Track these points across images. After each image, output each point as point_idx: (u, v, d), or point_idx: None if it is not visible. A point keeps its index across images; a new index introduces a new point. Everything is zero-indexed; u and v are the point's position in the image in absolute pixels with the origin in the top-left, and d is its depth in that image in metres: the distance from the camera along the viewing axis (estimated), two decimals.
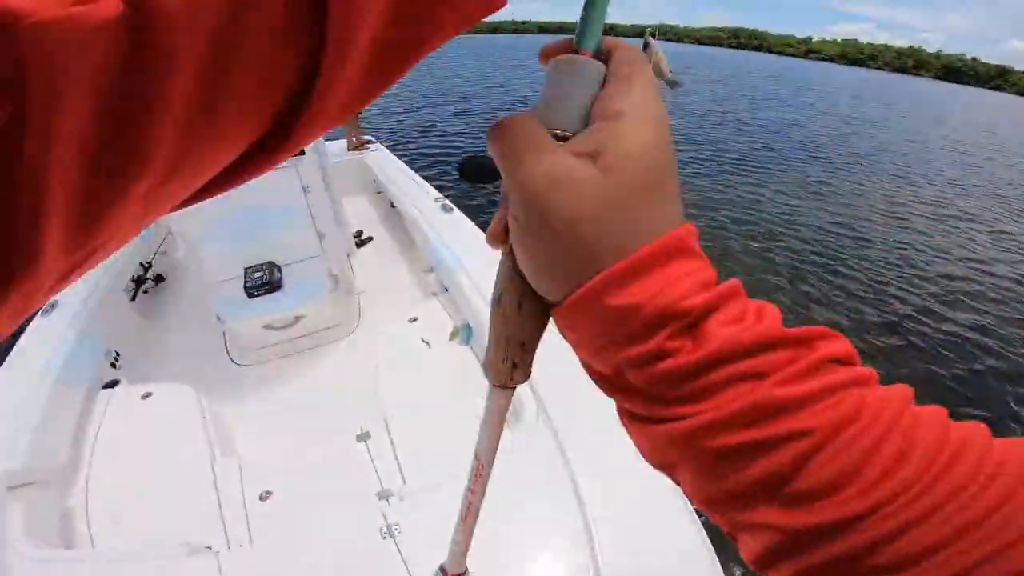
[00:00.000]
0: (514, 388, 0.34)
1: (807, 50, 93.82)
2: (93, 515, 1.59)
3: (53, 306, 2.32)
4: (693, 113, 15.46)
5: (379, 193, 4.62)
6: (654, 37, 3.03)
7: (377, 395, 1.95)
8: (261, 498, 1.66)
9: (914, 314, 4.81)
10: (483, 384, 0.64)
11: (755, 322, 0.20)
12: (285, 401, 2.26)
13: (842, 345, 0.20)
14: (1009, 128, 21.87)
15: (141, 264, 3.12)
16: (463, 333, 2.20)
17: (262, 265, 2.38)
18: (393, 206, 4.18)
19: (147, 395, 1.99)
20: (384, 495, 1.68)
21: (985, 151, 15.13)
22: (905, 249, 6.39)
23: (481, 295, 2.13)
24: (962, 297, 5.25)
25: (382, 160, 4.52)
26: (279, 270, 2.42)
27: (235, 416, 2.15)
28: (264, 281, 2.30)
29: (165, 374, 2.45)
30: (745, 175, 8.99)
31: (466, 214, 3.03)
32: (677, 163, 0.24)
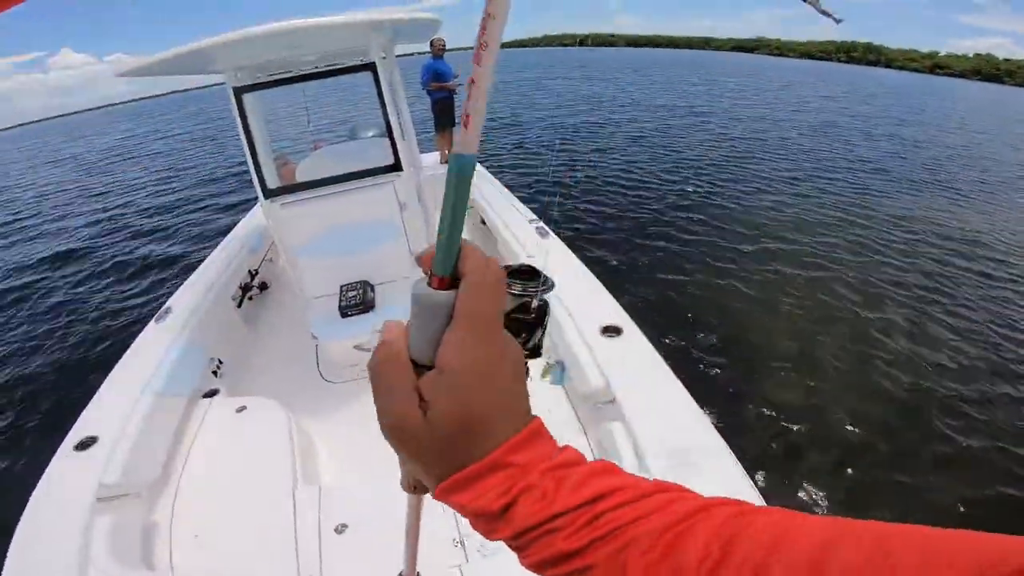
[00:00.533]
0: (422, 494, 0.42)
1: (933, 64, 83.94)
2: (175, 532, 1.62)
3: (167, 311, 2.47)
4: (794, 130, 14.24)
5: (469, 208, 4.62)
6: None
7: None
8: (336, 531, 1.61)
9: None
10: (577, 431, 1.30)
11: (553, 496, 0.29)
12: (367, 424, 2.22)
13: (622, 496, 0.29)
14: None
15: (249, 271, 3.31)
16: (555, 372, 2.03)
17: (356, 284, 2.39)
18: (483, 223, 4.15)
19: (242, 408, 2.05)
20: (460, 541, 1.59)
21: None
22: None
23: (577, 329, 1.96)
24: None
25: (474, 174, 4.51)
26: (372, 290, 2.43)
27: (320, 436, 2.16)
28: (358, 301, 2.31)
29: (260, 385, 2.53)
30: (852, 200, 7.98)
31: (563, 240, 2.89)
32: (512, 390, 0.32)
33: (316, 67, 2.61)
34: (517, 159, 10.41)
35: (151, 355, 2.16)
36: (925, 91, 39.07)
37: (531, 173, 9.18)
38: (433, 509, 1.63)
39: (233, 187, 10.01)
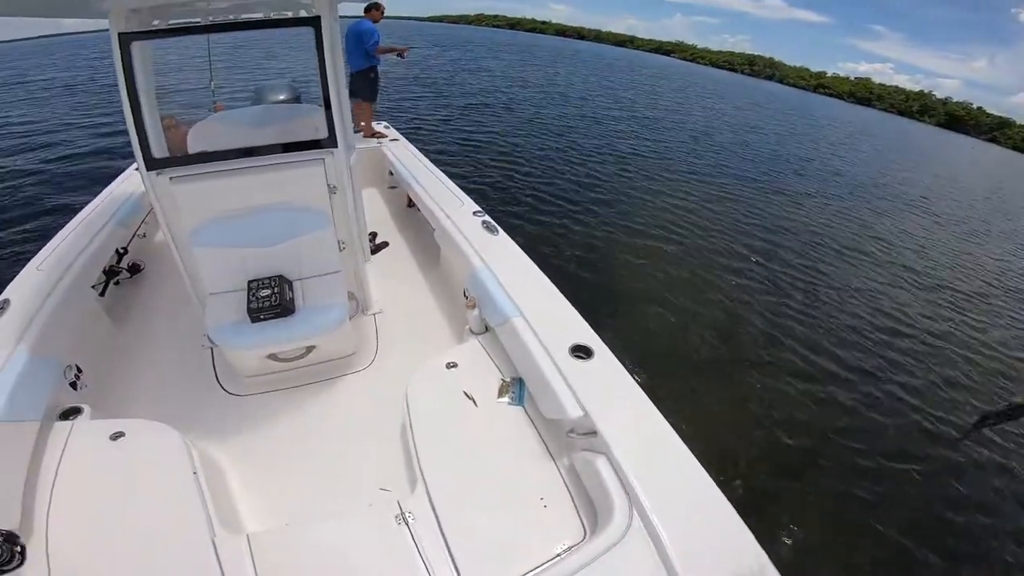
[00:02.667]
0: None
1: (817, 84, 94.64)
2: None
3: (4, 305, 1.89)
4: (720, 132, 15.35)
5: (393, 188, 4.20)
6: None
7: (416, 464, 1.56)
8: None
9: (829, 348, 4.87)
10: (543, 455, 1.48)
11: None
12: (292, 447, 1.87)
13: None
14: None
15: (116, 251, 2.67)
16: (514, 391, 1.80)
17: (270, 280, 1.97)
18: (411, 205, 3.76)
19: (118, 435, 1.57)
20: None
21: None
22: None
23: (545, 349, 1.74)
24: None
25: (402, 152, 4.10)
26: (290, 288, 2.02)
27: (231, 467, 1.74)
28: (273, 303, 1.89)
29: (138, 400, 2.02)
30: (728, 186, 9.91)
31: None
32: None
33: (233, 16, 2.11)
34: (444, 136, 10.03)
35: None
36: (813, 110, 44.10)
37: (459, 152, 9.17)
38: (386, 545, 1.40)
39: (105, 149, 8.42)
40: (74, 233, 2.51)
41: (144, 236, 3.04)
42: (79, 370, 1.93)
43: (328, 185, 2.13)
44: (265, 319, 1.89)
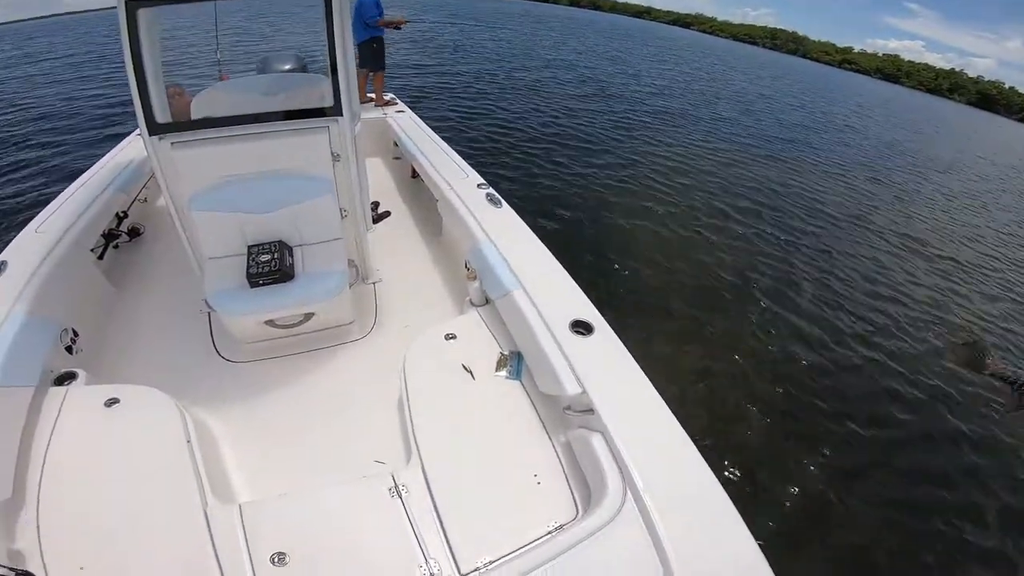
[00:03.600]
0: None
1: (843, 59, 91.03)
2: (50, 565, 1.21)
3: (1, 267, 1.89)
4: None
5: (397, 159, 4.16)
6: None
7: (412, 436, 1.55)
8: (274, 562, 1.24)
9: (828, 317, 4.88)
10: (539, 428, 1.51)
11: None
12: (288, 415, 1.87)
13: None
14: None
15: (117, 214, 2.67)
16: (512, 364, 1.78)
17: (270, 245, 1.96)
18: (415, 175, 3.72)
19: (113, 401, 1.58)
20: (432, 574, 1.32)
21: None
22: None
23: (545, 323, 1.70)
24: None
25: (407, 123, 4.03)
26: (290, 254, 2.00)
27: (224, 434, 1.75)
28: (272, 268, 1.88)
29: (133, 365, 2.04)
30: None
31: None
32: None
33: None
34: (446, 108, 9.86)
35: None
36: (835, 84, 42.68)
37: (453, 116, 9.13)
38: (378, 516, 1.40)
39: (109, 120, 8.38)
40: (74, 197, 2.51)
41: (145, 201, 3.04)
42: (75, 334, 1.94)
43: (332, 153, 2.09)
44: (264, 284, 1.88)
